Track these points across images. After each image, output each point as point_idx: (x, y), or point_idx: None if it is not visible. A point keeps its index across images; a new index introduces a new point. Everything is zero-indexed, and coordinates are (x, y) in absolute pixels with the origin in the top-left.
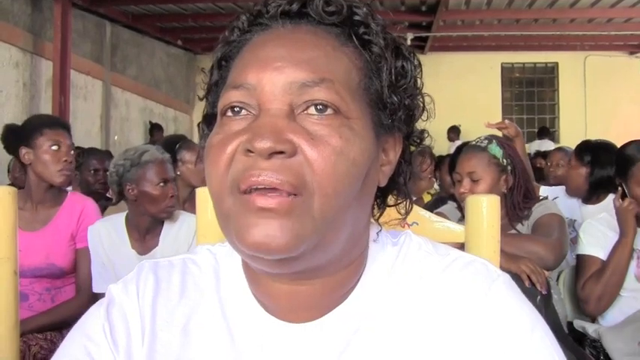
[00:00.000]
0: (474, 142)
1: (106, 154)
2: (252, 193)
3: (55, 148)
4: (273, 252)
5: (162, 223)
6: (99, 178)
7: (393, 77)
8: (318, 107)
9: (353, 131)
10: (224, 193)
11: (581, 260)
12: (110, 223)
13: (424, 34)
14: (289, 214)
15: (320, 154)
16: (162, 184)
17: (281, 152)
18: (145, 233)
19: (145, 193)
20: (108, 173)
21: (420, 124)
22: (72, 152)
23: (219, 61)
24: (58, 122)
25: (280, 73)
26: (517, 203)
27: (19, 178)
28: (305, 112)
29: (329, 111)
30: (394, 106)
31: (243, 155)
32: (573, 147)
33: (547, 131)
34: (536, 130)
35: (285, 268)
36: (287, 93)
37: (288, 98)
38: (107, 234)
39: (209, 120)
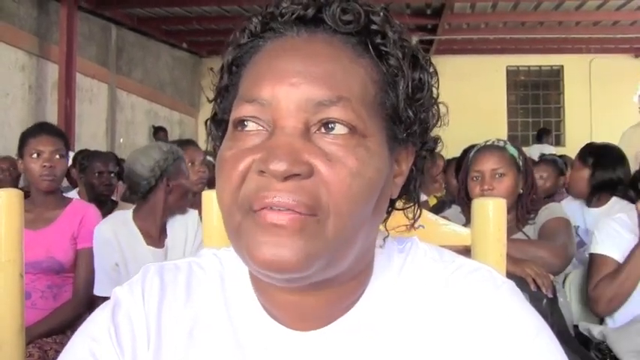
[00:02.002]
0: (489, 143)
1: (110, 156)
2: (264, 209)
3: (34, 156)
4: (284, 270)
5: None
6: (103, 181)
7: (410, 90)
8: (334, 127)
9: (369, 151)
10: (235, 210)
11: (595, 259)
12: (119, 221)
13: (429, 37)
14: (301, 231)
15: (336, 176)
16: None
17: (297, 174)
18: (161, 228)
19: (181, 186)
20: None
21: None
22: (57, 157)
23: (229, 66)
24: (42, 129)
25: (296, 89)
26: (527, 205)
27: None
28: (320, 131)
29: (345, 131)
30: (409, 121)
31: (256, 174)
32: (578, 150)
33: (547, 133)
34: None
35: (294, 284)
36: (302, 110)
37: (303, 116)
38: (120, 232)
39: (218, 122)
